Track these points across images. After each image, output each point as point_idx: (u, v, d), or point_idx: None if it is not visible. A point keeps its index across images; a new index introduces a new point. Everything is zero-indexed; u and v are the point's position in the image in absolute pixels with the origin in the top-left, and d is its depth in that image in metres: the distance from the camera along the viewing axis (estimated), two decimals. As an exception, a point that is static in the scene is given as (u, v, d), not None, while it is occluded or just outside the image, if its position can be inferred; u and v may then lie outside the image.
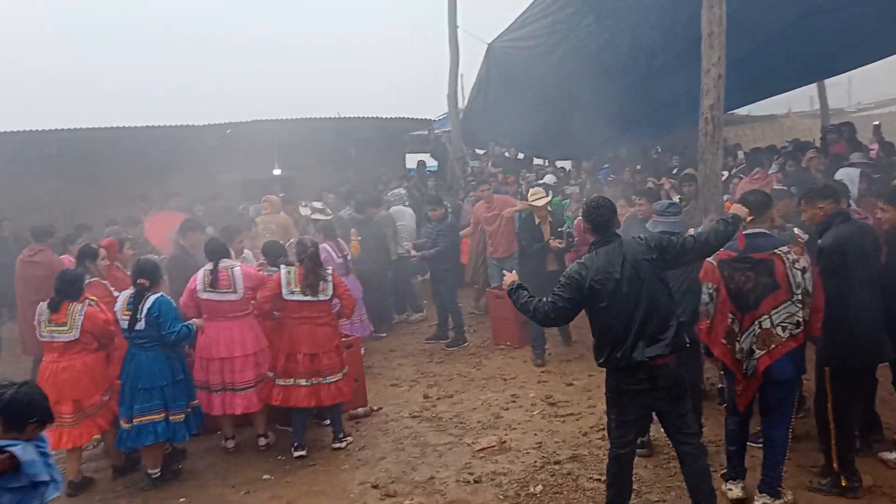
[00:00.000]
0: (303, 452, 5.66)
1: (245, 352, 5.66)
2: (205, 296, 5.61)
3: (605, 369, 4.10)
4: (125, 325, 5.20)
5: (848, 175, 7.87)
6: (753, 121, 18.92)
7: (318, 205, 9.52)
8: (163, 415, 5.19)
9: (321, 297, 5.70)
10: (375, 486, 5.06)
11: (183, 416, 5.30)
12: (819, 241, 4.53)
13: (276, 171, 13.48)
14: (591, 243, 4.15)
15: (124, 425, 5.18)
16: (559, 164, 15.26)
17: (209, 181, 12.95)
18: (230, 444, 5.87)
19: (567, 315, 4.15)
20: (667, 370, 3.95)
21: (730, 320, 4.34)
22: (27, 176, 12.08)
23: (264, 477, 5.35)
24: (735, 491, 4.52)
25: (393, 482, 5.12)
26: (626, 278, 3.92)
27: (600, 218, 4.10)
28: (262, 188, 12.21)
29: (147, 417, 5.13)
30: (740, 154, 11.20)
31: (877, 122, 11.15)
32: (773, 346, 4.24)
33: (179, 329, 5.19)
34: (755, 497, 4.41)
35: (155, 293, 5.24)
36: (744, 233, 4.37)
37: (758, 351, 4.26)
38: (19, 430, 2.93)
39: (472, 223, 9.48)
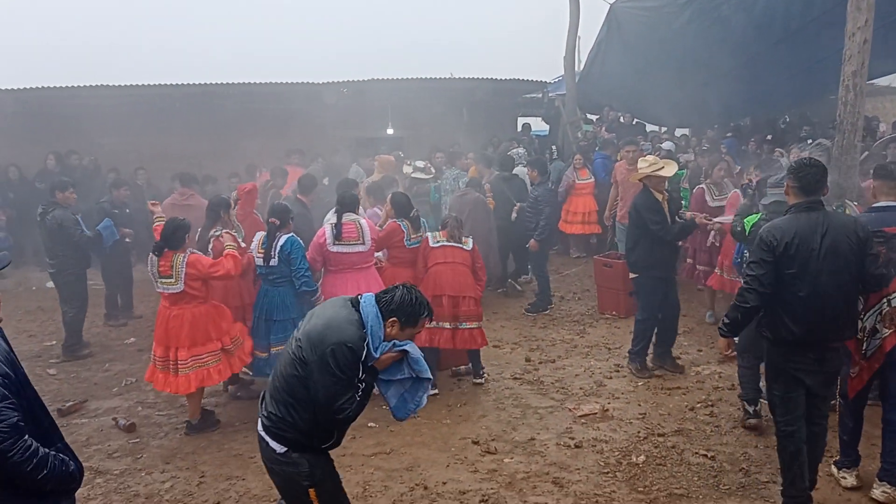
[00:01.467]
0: (435, 391, 6.00)
1: None
2: (335, 248, 5.80)
3: (770, 343, 3.92)
4: (260, 262, 5.65)
5: None
6: (894, 93, 17.43)
7: (420, 164, 9.53)
8: None
9: (464, 246, 6.21)
10: (476, 443, 5.13)
11: None
12: None
13: (390, 131, 13.67)
14: (792, 206, 3.84)
15: (261, 354, 5.68)
16: (678, 132, 14.67)
17: (324, 138, 13.32)
18: None
19: (773, 282, 3.76)
20: (836, 354, 3.85)
21: None
22: (156, 127, 12.84)
23: (369, 424, 5.52)
24: (849, 479, 4.33)
25: (493, 440, 5.18)
26: (824, 251, 3.66)
27: (812, 177, 3.78)
28: (374, 147, 12.44)
29: (283, 347, 5.47)
30: (883, 126, 10.32)
31: None
32: None
33: (307, 269, 5.57)
34: (874, 485, 4.18)
35: (286, 233, 5.62)
36: (875, 205, 4.16)
37: (884, 330, 4.01)
38: (413, 325, 3.17)
39: (613, 183, 9.51)
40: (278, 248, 5.56)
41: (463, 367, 6.56)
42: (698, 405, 5.65)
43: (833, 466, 4.44)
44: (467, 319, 6.06)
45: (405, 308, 3.10)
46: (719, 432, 5.16)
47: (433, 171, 9.63)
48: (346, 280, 5.80)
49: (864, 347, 4.07)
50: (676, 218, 6.30)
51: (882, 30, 8.30)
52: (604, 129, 13.34)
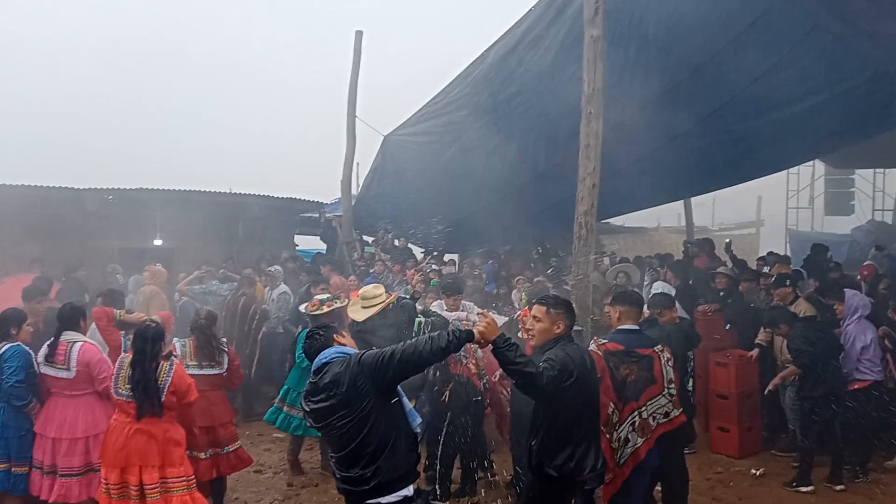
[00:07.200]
0: None
1: (73, 435, 5.17)
2: (43, 369, 5.25)
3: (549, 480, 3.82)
4: None
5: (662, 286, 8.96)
6: (626, 231, 20.23)
7: None
8: (6, 465, 5.11)
9: (216, 371, 5.66)
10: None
11: (27, 468, 5.12)
12: None
13: (157, 242, 13.02)
14: (560, 336, 3.91)
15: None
16: (448, 256, 15.60)
17: (82, 246, 12.31)
18: None
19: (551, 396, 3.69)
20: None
21: (610, 409, 4.46)
22: None
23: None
24: None
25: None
26: (593, 379, 3.81)
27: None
28: (138, 257, 11.81)
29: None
30: (606, 261, 11.90)
31: (728, 240, 12.33)
32: (648, 435, 4.50)
33: (19, 378, 5.04)
34: None
35: (10, 342, 5.16)
36: (620, 328, 4.67)
37: (638, 439, 4.47)
38: None
39: None
40: None
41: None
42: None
43: None
44: (229, 442, 5.67)
45: None
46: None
47: None
48: (56, 406, 5.20)
49: (618, 456, 4.45)
50: None
51: (612, 177, 9.71)
52: (379, 249, 13.87)
